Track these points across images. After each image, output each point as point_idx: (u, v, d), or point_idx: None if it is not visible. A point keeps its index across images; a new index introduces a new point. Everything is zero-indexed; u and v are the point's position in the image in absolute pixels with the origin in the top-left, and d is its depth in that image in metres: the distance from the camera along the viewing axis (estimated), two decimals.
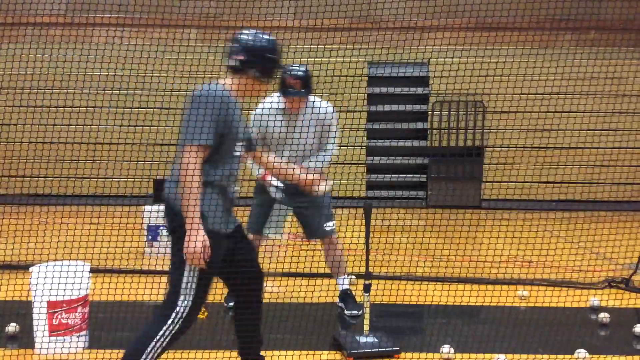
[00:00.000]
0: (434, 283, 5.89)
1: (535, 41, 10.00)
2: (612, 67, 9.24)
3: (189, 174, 3.16)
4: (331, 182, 4.27)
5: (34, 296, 4.17)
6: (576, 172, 10.54)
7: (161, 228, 7.12)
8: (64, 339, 4.15)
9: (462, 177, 11.56)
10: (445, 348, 4.18)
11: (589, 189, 10.17)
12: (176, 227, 3.31)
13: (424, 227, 8.79)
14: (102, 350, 4.08)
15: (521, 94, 10.85)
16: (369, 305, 4.30)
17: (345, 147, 11.22)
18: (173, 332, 3.30)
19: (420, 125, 11.81)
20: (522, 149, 11.36)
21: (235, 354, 3.99)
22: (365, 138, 11.56)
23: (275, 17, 9.29)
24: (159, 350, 3.30)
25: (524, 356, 4.20)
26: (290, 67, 4.93)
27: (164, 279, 6.10)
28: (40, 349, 4.14)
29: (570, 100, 9.94)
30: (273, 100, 4.98)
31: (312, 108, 5.00)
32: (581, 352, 4.13)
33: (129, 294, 4.77)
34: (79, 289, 4.14)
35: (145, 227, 7.16)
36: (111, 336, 4.49)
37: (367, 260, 4.38)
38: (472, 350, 4.30)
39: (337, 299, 5.27)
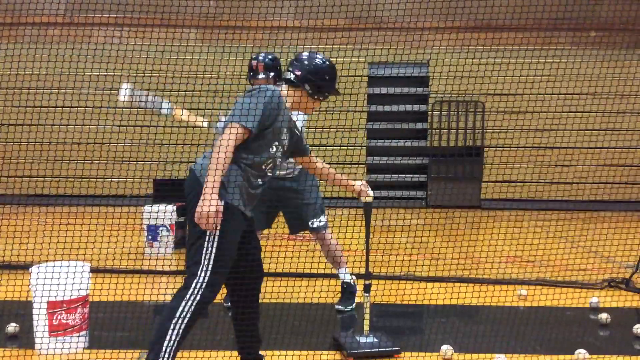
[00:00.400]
0: (434, 283, 5.88)
1: (535, 42, 10.01)
2: (611, 67, 9.24)
3: (222, 147, 3.32)
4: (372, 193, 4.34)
5: (34, 296, 4.17)
6: (576, 172, 10.53)
7: (161, 228, 7.12)
8: (64, 339, 4.14)
9: (462, 177, 11.56)
10: (445, 348, 4.18)
11: (589, 189, 10.18)
12: (198, 197, 3.39)
13: (424, 227, 8.79)
14: (102, 350, 4.08)
15: (521, 94, 10.86)
16: (369, 305, 4.30)
17: (346, 147, 11.22)
18: (195, 303, 3.35)
19: (420, 125, 11.82)
20: (522, 149, 11.37)
21: (235, 354, 4.00)
22: (365, 138, 11.56)
23: (275, 17, 9.30)
24: (185, 322, 3.35)
25: (524, 356, 4.20)
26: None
27: (164, 279, 6.13)
28: (40, 349, 4.14)
29: (570, 100, 9.95)
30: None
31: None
32: (581, 352, 4.13)
33: (129, 294, 4.77)
34: (79, 289, 4.14)
35: (145, 227, 7.16)
36: (111, 336, 4.49)
37: (367, 260, 4.37)
38: (472, 350, 4.30)
39: (337, 299, 5.26)
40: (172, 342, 3.33)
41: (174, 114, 4.80)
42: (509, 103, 11.04)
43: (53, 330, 4.13)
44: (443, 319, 5.07)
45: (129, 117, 10.17)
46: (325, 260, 5.32)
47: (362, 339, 4.25)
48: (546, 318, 5.05)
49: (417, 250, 7.23)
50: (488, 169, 11.46)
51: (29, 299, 4.31)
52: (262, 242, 5.21)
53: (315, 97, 3.74)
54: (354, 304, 5.19)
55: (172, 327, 3.34)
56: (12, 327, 4.46)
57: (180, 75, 10.49)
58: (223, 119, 5.11)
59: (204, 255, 3.37)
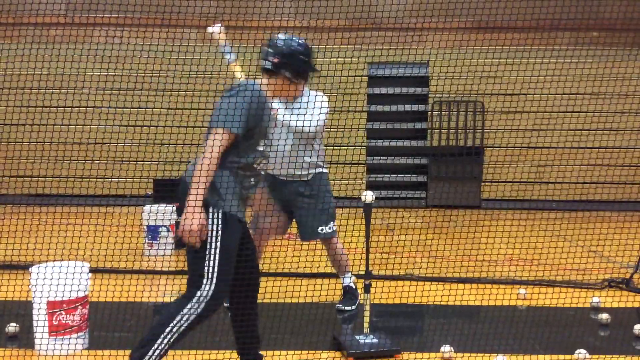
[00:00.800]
0: (434, 283, 5.89)
1: (534, 41, 10.00)
2: (612, 67, 9.24)
3: (207, 155, 3.25)
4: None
5: (34, 296, 4.17)
6: (576, 172, 10.54)
7: (161, 228, 7.12)
8: (64, 339, 4.15)
9: (462, 177, 11.56)
10: (445, 348, 4.18)
11: (589, 189, 10.18)
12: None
13: (423, 227, 8.79)
14: (102, 351, 4.08)
15: (521, 94, 10.86)
16: (369, 305, 4.30)
17: (346, 147, 11.23)
18: (196, 314, 3.32)
19: (420, 125, 11.82)
20: (522, 148, 11.37)
21: (235, 354, 4.00)
22: (365, 138, 11.57)
23: (275, 17, 9.29)
24: (180, 330, 3.32)
25: (524, 356, 4.20)
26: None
27: (164, 279, 6.13)
28: (40, 349, 4.14)
29: (570, 100, 9.95)
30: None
31: (308, 97, 4.96)
32: (581, 352, 4.13)
33: (128, 294, 4.78)
34: (79, 289, 4.14)
35: (145, 228, 7.16)
36: (111, 336, 4.49)
37: (367, 260, 4.38)
38: (472, 350, 4.30)
39: (337, 299, 5.27)
40: (160, 348, 3.31)
41: (234, 64, 4.99)
42: (509, 103, 11.03)
43: (53, 330, 4.13)
44: (443, 319, 5.07)
45: (129, 117, 10.19)
46: (331, 266, 5.32)
47: (362, 339, 4.25)
48: (546, 318, 5.05)
49: (417, 250, 7.23)
50: (488, 169, 11.46)
51: (29, 299, 4.31)
52: (262, 243, 5.22)
53: (296, 80, 3.63)
54: (355, 305, 5.19)
55: (165, 333, 3.31)
56: (12, 327, 4.46)
57: (180, 75, 10.49)
58: None
59: (207, 267, 3.33)
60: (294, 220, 5.22)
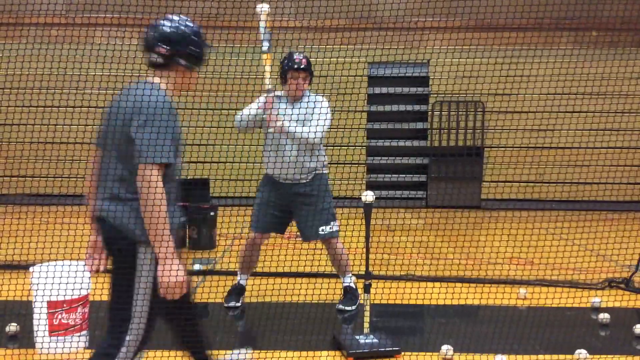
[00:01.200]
0: (434, 283, 5.89)
1: (535, 42, 10.00)
2: (612, 67, 9.24)
3: (158, 197, 2.78)
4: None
5: (34, 296, 4.18)
6: (576, 172, 10.54)
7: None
8: (64, 339, 4.15)
9: (462, 177, 11.56)
10: (445, 348, 4.19)
11: (589, 189, 10.18)
12: (121, 249, 2.92)
13: (424, 227, 8.79)
14: None
15: (521, 94, 10.86)
16: (369, 305, 4.30)
17: (346, 147, 11.22)
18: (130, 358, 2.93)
19: (420, 125, 11.82)
20: (521, 149, 11.37)
21: (234, 353, 4.00)
22: (365, 138, 11.57)
23: (275, 17, 9.29)
24: None
25: (524, 356, 4.21)
26: (292, 52, 5.16)
27: None
28: (40, 348, 4.15)
29: (570, 100, 9.95)
30: (276, 92, 5.04)
31: (309, 98, 5.06)
32: (581, 353, 4.13)
33: None
34: (79, 289, 4.14)
35: None
36: None
37: (367, 260, 4.38)
38: (472, 350, 4.30)
39: (337, 299, 5.27)
40: None
41: (265, 57, 4.90)
42: (509, 103, 11.03)
43: (53, 330, 4.14)
44: (443, 319, 5.08)
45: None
46: (332, 266, 5.32)
47: (362, 339, 4.25)
48: (546, 318, 5.05)
49: (417, 250, 7.23)
50: (488, 169, 11.47)
51: (29, 299, 4.31)
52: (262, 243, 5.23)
53: (195, 67, 3.10)
54: (355, 306, 5.20)
55: None
56: (12, 327, 4.46)
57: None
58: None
59: (135, 320, 2.91)
60: (293, 220, 5.23)
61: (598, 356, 4.18)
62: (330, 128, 5.13)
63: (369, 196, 4.35)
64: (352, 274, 5.34)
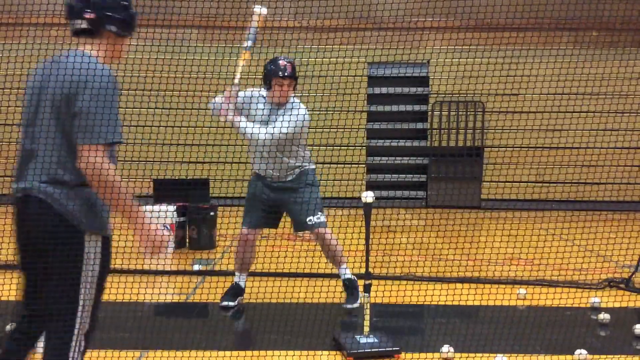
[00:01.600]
0: (434, 283, 5.89)
1: (535, 41, 10.00)
2: (612, 67, 9.24)
3: (110, 178, 2.70)
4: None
5: None
6: (576, 172, 10.54)
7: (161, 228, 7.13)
8: None
9: (462, 177, 11.56)
10: (445, 348, 4.18)
11: (589, 189, 10.18)
12: (60, 232, 2.75)
13: (424, 227, 8.79)
14: (102, 351, 4.08)
15: (521, 94, 10.86)
16: (369, 306, 4.30)
17: (346, 147, 11.22)
18: (81, 352, 2.85)
19: (420, 125, 11.82)
20: (521, 149, 11.37)
21: (234, 354, 4.00)
22: (365, 138, 11.57)
23: (275, 17, 9.29)
24: None
25: (524, 356, 4.20)
26: (277, 57, 5.16)
27: (164, 279, 6.13)
28: (40, 348, 4.13)
29: (570, 100, 9.95)
30: (261, 90, 5.09)
31: (292, 105, 5.07)
32: (581, 353, 4.13)
33: (129, 294, 4.78)
34: None
35: None
36: (111, 336, 4.49)
37: (367, 260, 4.38)
38: (472, 350, 4.30)
39: (337, 299, 5.26)
40: None
41: (244, 54, 4.95)
42: (509, 103, 11.04)
43: None
44: (443, 319, 5.07)
45: (130, 117, 10.18)
46: (326, 259, 5.32)
47: (362, 339, 4.25)
48: (546, 318, 5.05)
49: (417, 250, 7.23)
50: (488, 169, 11.46)
51: None
52: (262, 242, 5.24)
53: (124, 33, 2.90)
54: (358, 300, 5.19)
55: None
56: (12, 327, 4.45)
57: (180, 75, 10.49)
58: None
59: (81, 302, 2.81)
60: (284, 216, 5.30)
61: (598, 356, 4.18)
62: (302, 132, 5.13)
63: (368, 197, 4.35)
64: (353, 275, 5.34)
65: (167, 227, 7.15)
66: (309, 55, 9.24)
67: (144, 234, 2.82)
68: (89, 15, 2.80)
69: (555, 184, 11.13)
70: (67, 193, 2.75)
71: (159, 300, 5.48)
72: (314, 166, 5.29)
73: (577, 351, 4.14)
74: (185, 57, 10.46)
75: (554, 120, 10.97)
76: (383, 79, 11.52)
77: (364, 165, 11.65)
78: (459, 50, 10.89)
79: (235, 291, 5.22)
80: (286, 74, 4.98)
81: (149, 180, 9.16)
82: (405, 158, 11.56)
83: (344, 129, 10.61)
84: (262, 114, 4.99)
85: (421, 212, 10.68)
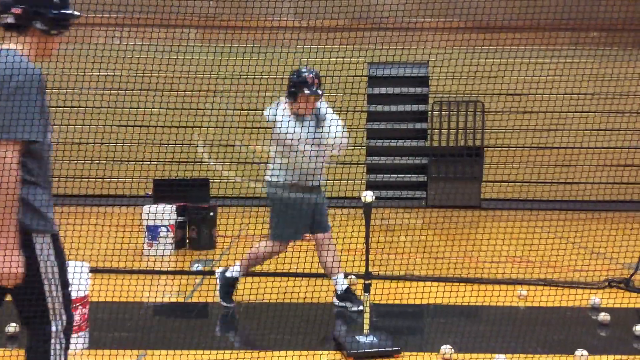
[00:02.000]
0: (434, 283, 5.88)
1: (534, 41, 9.99)
2: (611, 67, 9.25)
3: (11, 179, 2.59)
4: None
5: None
6: (576, 172, 10.55)
7: (161, 228, 7.13)
8: None
9: (462, 177, 11.56)
10: (445, 348, 4.18)
11: (590, 189, 10.18)
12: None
13: (423, 227, 8.79)
14: (102, 350, 4.08)
15: (521, 94, 10.86)
16: (369, 305, 4.29)
17: (345, 147, 11.22)
18: (63, 346, 2.85)
19: (420, 125, 11.82)
20: (522, 149, 11.37)
21: (234, 354, 4.00)
22: (365, 138, 11.57)
23: (275, 17, 9.30)
24: None
25: (524, 356, 4.20)
26: (303, 69, 5.07)
27: (164, 279, 6.13)
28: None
29: (569, 100, 9.95)
30: (286, 107, 5.01)
31: (319, 109, 5.09)
32: (581, 353, 4.12)
33: (128, 294, 4.78)
34: (79, 289, 4.14)
35: (145, 227, 7.17)
36: (111, 336, 4.49)
37: (367, 260, 4.37)
38: (472, 350, 4.29)
39: (334, 299, 5.26)
40: None
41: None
42: (509, 103, 11.04)
43: None
44: (443, 319, 5.07)
45: (129, 117, 10.19)
46: (322, 265, 5.25)
47: (362, 339, 4.25)
48: (546, 318, 5.04)
49: (417, 250, 7.23)
50: (488, 169, 11.46)
51: None
52: (262, 243, 5.23)
53: (53, 32, 2.80)
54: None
55: None
56: (12, 327, 4.46)
57: (179, 75, 10.49)
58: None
59: (50, 302, 2.80)
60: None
61: (598, 356, 4.18)
62: None
63: (368, 196, 4.34)
64: (352, 275, 5.33)
65: (166, 227, 7.15)
66: (309, 55, 9.24)
67: (10, 258, 2.64)
68: (16, 10, 2.72)
69: (555, 184, 11.13)
70: None
71: (158, 300, 5.47)
72: None
73: (577, 351, 4.14)
74: (184, 57, 10.47)
75: (554, 120, 10.98)
76: (383, 79, 11.52)
77: (364, 165, 11.65)
78: (458, 50, 10.89)
79: (230, 288, 5.19)
80: (314, 90, 4.96)
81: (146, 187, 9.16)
82: (405, 158, 11.56)
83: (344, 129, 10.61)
84: (308, 129, 4.98)
85: (421, 212, 10.68)
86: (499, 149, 11.45)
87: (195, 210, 7.42)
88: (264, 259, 5.21)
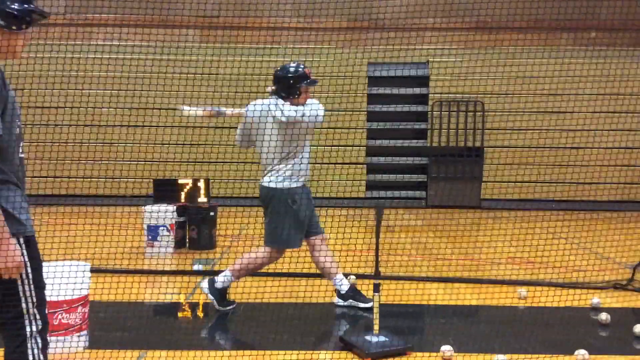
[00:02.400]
0: (434, 283, 5.88)
1: (534, 41, 10.00)
2: (611, 67, 9.26)
3: None
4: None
5: None
6: (576, 172, 10.55)
7: (161, 228, 7.13)
8: (64, 339, 4.14)
9: (462, 177, 11.56)
10: (445, 348, 4.18)
11: (589, 189, 10.18)
12: None
13: (423, 227, 8.79)
14: (102, 350, 4.08)
15: (521, 94, 10.87)
16: (378, 305, 4.27)
17: (344, 148, 11.22)
18: (39, 348, 2.82)
19: (420, 125, 11.82)
20: (522, 149, 11.37)
21: (234, 354, 3.99)
22: (365, 138, 11.57)
23: (275, 17, 9.30)
24: None
25: (524, 356, 4.20)
26: (291, 64, 5.04)
27: (164, 279, 6.13)
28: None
29: (569, 100, 9.96)
30: (285, 103, 4.97)
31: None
32: (581, 353, 4.12)
33: (129, 294, 4.78)
34: (79, 289, 4.14)
35: (145, 227, 7.17)
36: (111, 336, 4.49)
37: (377, 260, 4.36)
38: (472, 350, 4.29)
39: (336, 299, 5.25)
40: None
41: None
42: (509, 103, 11.04)
43: (53, 330, 4.13)
44: (443, 319, 5.07)
45: (129, 117, 10.20)
46: (323, 268, 5.22)
47: (374, 339, 4.24)
48: (546, 318, 5.04)
49: (417, 250, 7.23)
50: (488, 169, 11.47)
51: None
52: (262, 243, 5.22)
53: (14, 27, 2.67)
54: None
55: None
56: None
57: (179, 75, 10.49)
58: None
59: (25, 305, 2.79)
60: None
61: (598, 356, 4.18)
62: (323, 125, 5.14)
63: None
64: (352, 274, 5.32)
65: (166, 227, 7.15)
66: (309, 55, 9.24)
67: (6, 251, 2.64)
68: None
69: (555, 184, 11.13)
70: None
71: (159, 300, 5.47)
72: None
73: (578, 351, 4.14)
74: (184, 57, 10.47)
75: (554, 120, 10.98)
76: (383, 79, 11.51)
77: (363, 165, 11.64)
78: (459, 50, 10.89)
79: (225, 292, 5.17)
80: (314, 80, 5.02)
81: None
82: (405, 158, 11.56)
83: (344, 129, 10.62)
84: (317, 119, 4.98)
85: (421, 212, 10.69)
86: (499, 149, 11.45)
87: (195, 210, 7.42)
88: (261, 267, 5.16)
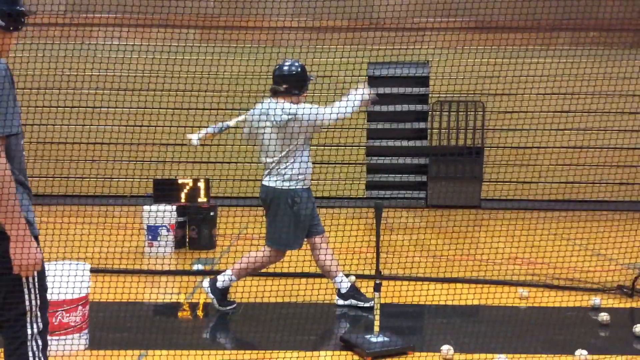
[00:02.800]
0: (434, 283, 5.88)
1: (534, 41, 10.00)
2: (611, 67, 9.24)
3: (7, 172, 2.59)
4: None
5: None
6: (576, 172, 10.54)
7: (161, 228, 7.13)
8: (64, 339, 4.14)
9: (462, 177, 11.55)
10: (445, 348, 4.18)
11: (589, 189, 10.17)
12: None
13: (423, 227, 8.78)
14: (102, 351, 4.08)
15: (521, 94, 10.86)
16: (379, 305, 4.27)
17: (344, 148, 11.22)
18: (40, 348, 2.83)
19: (420, 125, 11.81)
20: (522, 149, 11.37)
21: (234, 354, 3.99)
22: (365, 138, 11.56)
23: (275, 17, 9.30)
24: None
25: (524, 356, 4.20)
26: (291, 60, 5.11)
27: (164, 279, 6.13)
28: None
29: (570, 100, 9.95)
30: (285, 101, 4.96)
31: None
32: (581, 353, 4.12)
33: (129, 294, 4.78)
34: (79, 289, 4.14)
35: (145, 227, 7.16)
36: (111, 336, 4.49)
37: (378, 259, 4.36)
38: (472, 350, 4.29)
39: (336, 299, 5.25)
40: None
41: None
42: (509, 103, 11.03)
43: (53, 330, 4.13)
44: (443, 319, 5.07)
45: (129, 117, 10.20)
46: (324, 267, 5.22)
47: (374, 338, 4.24)
48: (546, 318, 5.04)
49: (417, 250, 7.23)
50: (488, 169, 11.46)
51: None
52: (262, 243, 5.22)
53: (11, 27, 2.75)
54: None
55: None
56: None
57: (179, 75, 10.49)
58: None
59: (29, 304, 2.79)
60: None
61: (598, 356, 4.18)
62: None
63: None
64: (351, 274, 5.32)
65: (166, 227, 7.14)
66: (308, 54, 9.23)
67: (18, 249, 2.65)
68: None
69: (555, 184, 11.13)
70: None
71: (158, 300, 5.47)
72: None
73: (578, 351, 4.14)
74: (184, 57, 10.46)
75: (554, 120, 10.97)
76: (383, 79, 11.50)
77: (363, 165, 11.64)
78: (459, 50, 10.89)
79: (226, 292, 5.17)
80: (312, 76, 5.10)
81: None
82: (405, 158, 11.55)
83: (344, 129, 10.61)
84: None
85: (421, 212, 10.68)
86: (499, 149, 11.45)
87: (195, 210, 7.42)
88: (262, 267, 5.17)
